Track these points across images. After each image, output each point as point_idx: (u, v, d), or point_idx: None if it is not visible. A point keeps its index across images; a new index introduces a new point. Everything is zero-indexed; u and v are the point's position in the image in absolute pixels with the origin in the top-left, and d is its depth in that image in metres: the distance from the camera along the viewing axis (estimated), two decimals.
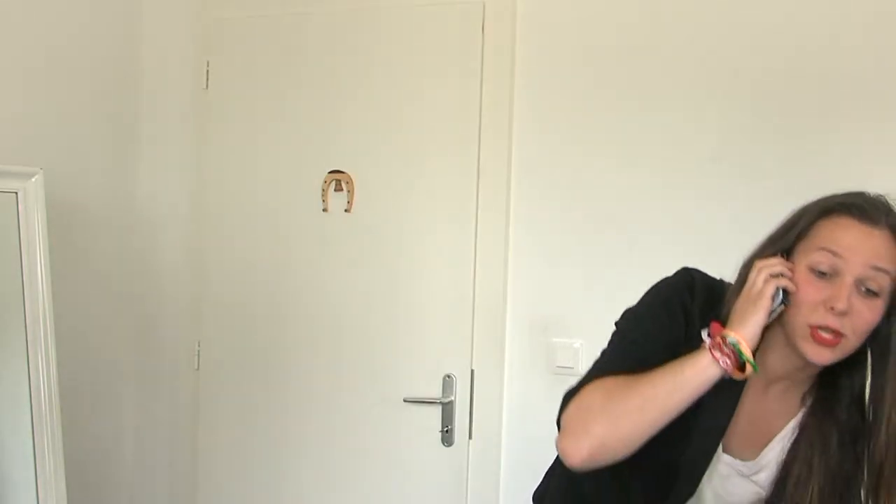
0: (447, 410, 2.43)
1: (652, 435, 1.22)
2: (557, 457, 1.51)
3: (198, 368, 2.72)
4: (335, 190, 2.57)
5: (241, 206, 2.68)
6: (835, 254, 1.21)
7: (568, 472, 1.47)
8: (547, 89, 2.39)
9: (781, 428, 1.35)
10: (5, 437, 2.10)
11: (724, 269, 2.20)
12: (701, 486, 1.35)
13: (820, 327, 1.21)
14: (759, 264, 1.26)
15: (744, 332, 1.21)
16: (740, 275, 1.30)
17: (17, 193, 2.13)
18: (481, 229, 2.43)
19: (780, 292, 1.24)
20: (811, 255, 1.23)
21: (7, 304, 2.11)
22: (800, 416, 1.34)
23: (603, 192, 2.32)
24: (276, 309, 2.64)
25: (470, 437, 2.43)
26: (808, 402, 1.34)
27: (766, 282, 1.23)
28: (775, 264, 1.24)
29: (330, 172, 2.58)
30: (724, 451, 1.35)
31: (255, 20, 2.70)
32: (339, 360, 2.55)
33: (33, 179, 2.15)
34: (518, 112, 2.42)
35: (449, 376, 2.44)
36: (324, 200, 2.58)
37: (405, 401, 2.46)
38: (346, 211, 2.56)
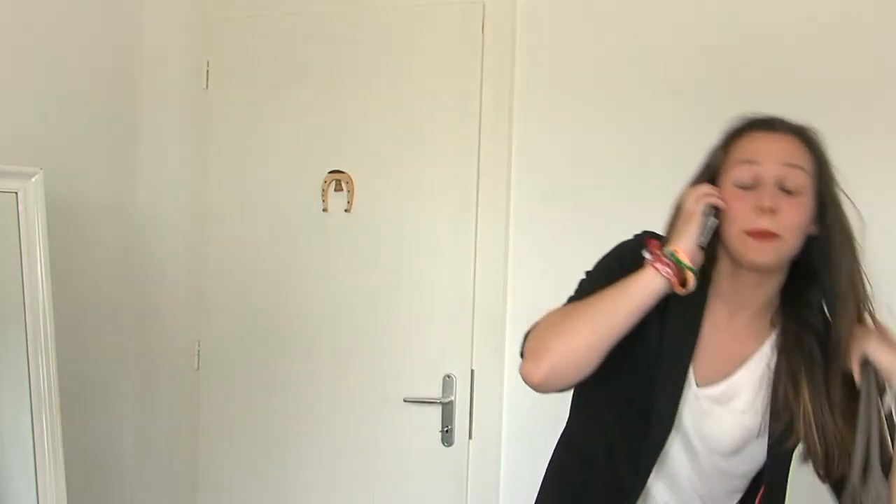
0: (447, 410, 2.43)
1: (604, 350, 1.30)
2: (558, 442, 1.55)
3: (198, 368, 2.72)
4: (335, 190, 2.57)
5: (241, 205, 2.68)
6: (751, 162, 1.31)
7: (563, 437, 1.53)
8: (547, 89, 2.39)
9: (755, 351, 1.38)
10: (5, 437, 2.10)
11: None
12: (683, 427, 1.37)
13: (754, 232, 1.28)
14: (688, 190, 1.36)
15: (679, 244, 1.30)
16: (674, 209, 1.38)
17: (17, 193, 2.12)
18: (481, 229, 2.43)
19: (711, 210, 1.33)
20: (732, 172, 1.33)
21: (7, 304, 2.11)
22: (773, 336, 1.37)
23: (603, 192, 2.31)
24: (276, 309, 2.64)
25: (470, 437, 2.43)
26: (780, 323, 1.37)
27: (696, 201, 1.32)
28: (703, 187, 1.35)
29: (330, 172, 2.58)
30: (699, 386, 1.37)
31: (255, 20, 2.70)
32: (339, 360, 2.55)
33: (33, 179, 2.14)
34: (518, 112, 2.42)
35: (449, 376, 2.44)
36: (324, 200, 2.58)
37: (405, 401, 2.46)
38: (346, 211, 2.56)
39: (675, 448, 1.38)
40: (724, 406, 1.36)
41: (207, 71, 2.73)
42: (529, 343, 1.37)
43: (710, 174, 1.38)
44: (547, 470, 1.56)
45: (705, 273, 1.33)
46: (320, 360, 2.58)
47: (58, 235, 2.24)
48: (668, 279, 1.28)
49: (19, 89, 2.38)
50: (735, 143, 1.37)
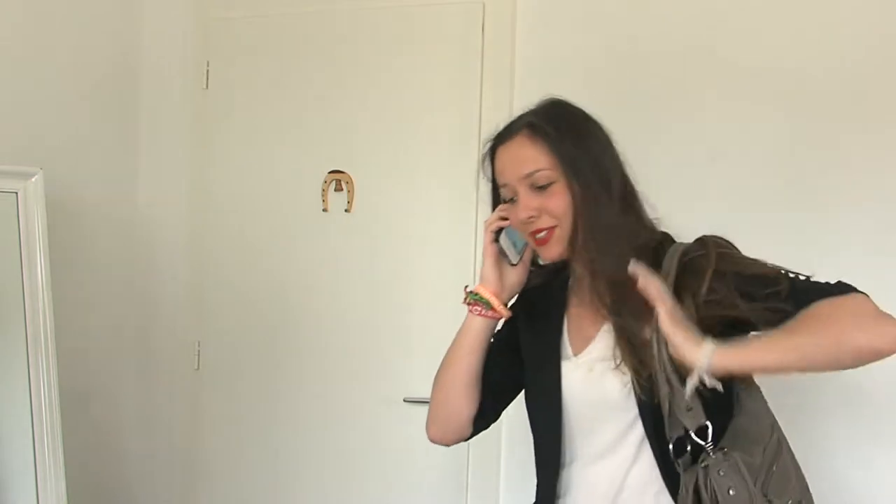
0: None
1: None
2: None
3: (198, 368, 2.72)
4: (335, 190, 2.57)
5: (241, 206, 2.68)
6: (503, 184, 1.43)
7: None
8: (547, 89, 2.37)
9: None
10: (5, 437, 2.10)
11: None
12: (572, 398, 1.42)
13: (533, 235, 1.39)
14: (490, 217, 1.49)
15: (480, 281, 1.47)
16: None
17: (17, 193, 2.13)
18: (481, 229, 2.43)
19: (506, 234, 1.45)
20: (504, 194, 1.44)
21: (7, 304, 2.11)
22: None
23: None
24: (277, 309, 2.64)
25: None
26: None
27: (484, 236, 1.48)
28: (490, 218, 1.48)
29: (330, 172, 2.58)
30: (576, 355, 1.44)
31: (255, 20, 2.71)
32: (339, 359, 2.55)
33: (33, 179, 2.15)
34: (518, 112, 2.41)
35: None
36: (324, 200, 2.58)
37: (405, 401, 2.46)
38: (346, 211, 2.56)
39: (578, 419, 1.43)
40: (604, 362, 1.39)
41: (207, 71, 2.73)
42: None
43: (497, 200, 1.48)
44: None
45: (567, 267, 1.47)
46: (320, 359, 2.58)
47: (58, 235, 2.24)
48: (482, 315, 1.46)
49: (19, 89, 2.38)
50: (493, 166, 1.46)
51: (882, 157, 2.10)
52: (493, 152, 1.46)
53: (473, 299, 1.46)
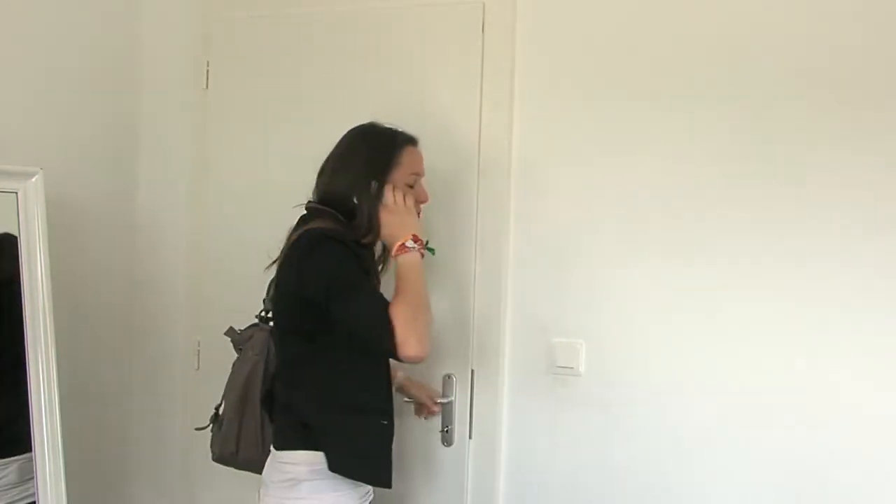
0: (447, 410, 2.43)
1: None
2: None
3: (198, 368, 2.72)
4: None
5: (241, 205, 2.68)
6: (416, 172, 2.06)
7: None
8: (547, 89, 2.39)
9: None
10: None
11: (722, 268, 2.20)
12: None
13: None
14: (391, 189, 1.99)
15: (420, 233, 2.00)
16: (365, 201, 1.99)
17: (17, 193, 2.13)
18: (481, 229, 2.43)
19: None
20: (407, 177, 2.03)
21: None
22: None
23: (603, 192, 2.31)
24: None
25: (470, 437, 2.43)
26: None
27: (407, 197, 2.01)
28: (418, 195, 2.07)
29: None
30: None
31: (255, 20, 2.71)
32: None
33: (33, 179, 2.15)
34: (518, 112, 2.41)
35: (449, 376, 2.43)
36: None
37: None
38: None
39: None
40: None
41: (207, 71, 2.73)
42: (404, 332, 1.80)
43: (386, 177, 2.00)
44: None
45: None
46: None
47: (58, 235, 2.24)
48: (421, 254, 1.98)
49: (19, 89, 2.38)
50: (404, 154, 2.04)
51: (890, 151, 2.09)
52: (406, 146, 2.05)
53: (426, 247, 2.01)
